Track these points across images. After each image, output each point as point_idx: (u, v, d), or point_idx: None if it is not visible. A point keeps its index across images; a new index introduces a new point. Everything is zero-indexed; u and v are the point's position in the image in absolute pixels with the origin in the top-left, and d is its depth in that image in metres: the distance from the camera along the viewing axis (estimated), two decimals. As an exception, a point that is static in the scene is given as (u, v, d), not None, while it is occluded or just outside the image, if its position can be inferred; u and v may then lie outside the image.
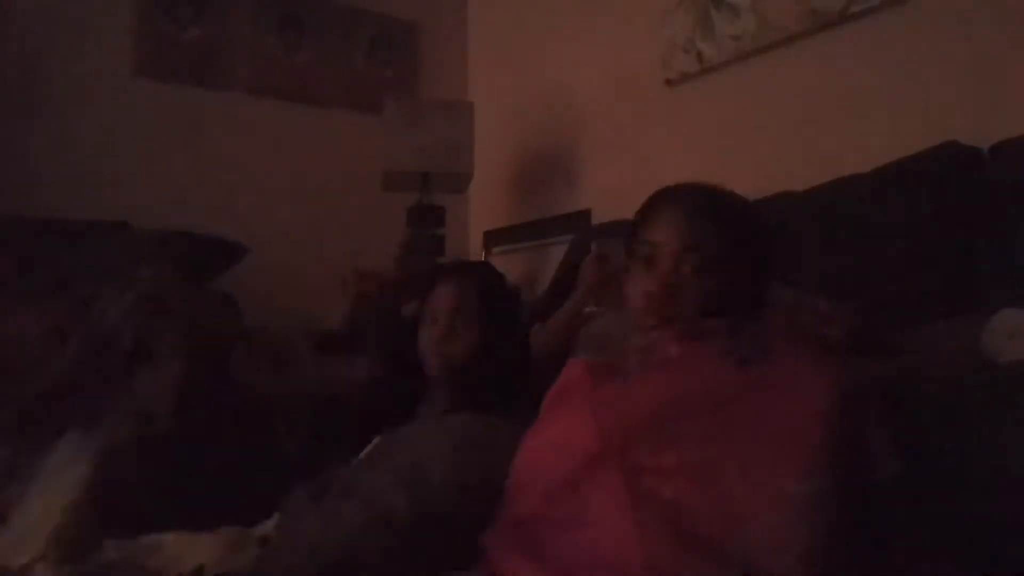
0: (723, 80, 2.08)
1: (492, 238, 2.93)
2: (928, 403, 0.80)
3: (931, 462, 0.73)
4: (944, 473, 0.73)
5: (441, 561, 0.76)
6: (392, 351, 1.31)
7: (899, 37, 1.64)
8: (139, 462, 1.05)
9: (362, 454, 1.05)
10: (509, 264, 2.92)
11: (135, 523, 0.93)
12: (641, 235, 0.85)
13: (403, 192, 2.70)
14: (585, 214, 2.51)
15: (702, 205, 0.85)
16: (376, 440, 1.05)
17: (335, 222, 2.92)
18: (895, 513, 0.65)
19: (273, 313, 2.58)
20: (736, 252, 0.81)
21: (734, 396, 0.71)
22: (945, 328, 1.00)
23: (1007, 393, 0.77)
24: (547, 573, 0.66)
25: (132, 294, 1.21)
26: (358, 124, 2.97)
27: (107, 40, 2.51)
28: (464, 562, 0.76)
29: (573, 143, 2.67)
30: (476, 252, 3.08)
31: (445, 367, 1.13)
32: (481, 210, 3.20)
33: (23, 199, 2.27)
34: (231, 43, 2.75)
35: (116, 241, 2.04)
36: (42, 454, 1.07)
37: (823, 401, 0.67)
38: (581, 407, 0.77)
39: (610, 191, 2.44)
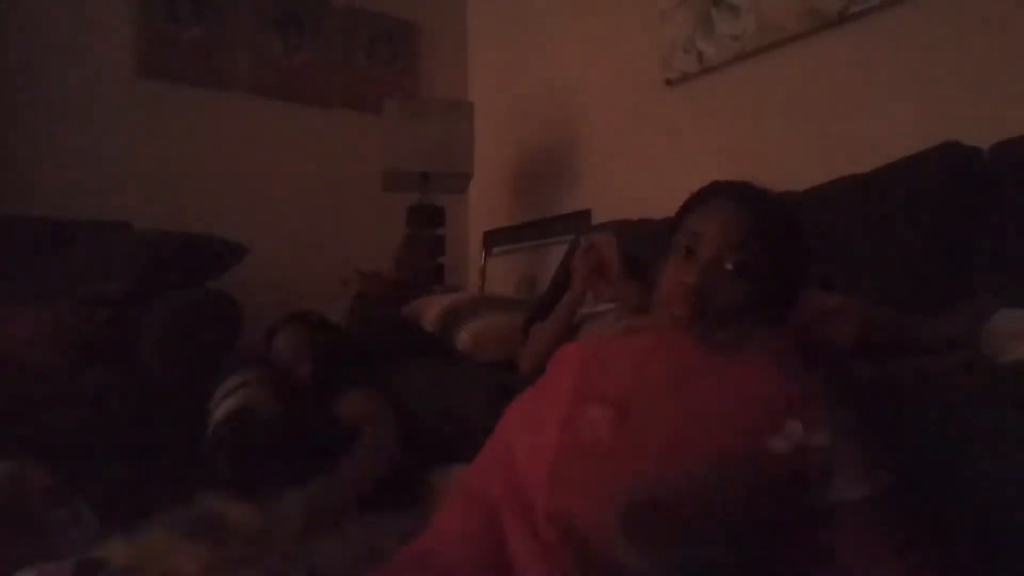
0: (723, 80, 2.08)
1: (492, 238, 2.93)
2: (925, 409, 0.80)
3: (930, 467, 0.73)
4: (943, 477, 0.73)
5: None
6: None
7: (899, 37, 1.64)
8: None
9: None
10: (509, 264, 2.92)
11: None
12: (687, 225, 0.84)
13: (403, 192, 2.70)
14: (585, 214, 2.51)
15: (755, 205, 0.83)
16: None
17: (335, 222, 2.92)
18: (867, 529, 0.64)
19: (273, 313, 2.59)
20: (779, 259, 0.80)
21: (690, 382, 0.71)
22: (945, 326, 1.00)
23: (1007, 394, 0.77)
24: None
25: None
26: (358, 124, 2.97)
27: (108, 40, 2.51)
28: None
29: (573, 143, 2.67)
30: (476, 252, 3.08)
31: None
32: (481, 210, 3.20)
33: (23, 199, 2.27)
34: (231, 43, 2.75)
35: (116, 241, 2.04)
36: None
37: (768, 406, 0.66)
38: (567, 378, 0.78)
39: (610, 191, 2.44)
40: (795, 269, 0.84)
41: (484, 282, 2.88)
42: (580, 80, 2.65)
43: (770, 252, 0.79)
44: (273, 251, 2.62)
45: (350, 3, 3.02)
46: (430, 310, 1.83)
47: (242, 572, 0.92)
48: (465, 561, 0.68)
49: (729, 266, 0.78)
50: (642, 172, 2.34)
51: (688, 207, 0.88)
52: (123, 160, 2.51)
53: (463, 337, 1.79)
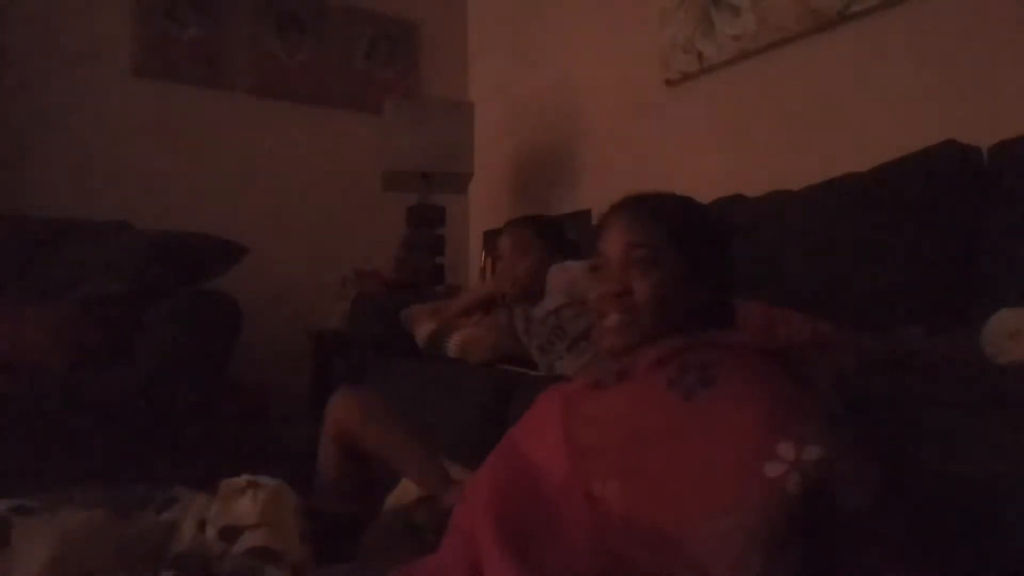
0: (723, 80, 2.08)
1: (492, 238, 2.93)
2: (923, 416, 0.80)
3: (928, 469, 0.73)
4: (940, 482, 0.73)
5: None
6: None
7: (899, 37, 1.64)
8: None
9: None
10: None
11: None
12: (597, 248, 0.91)
13: (403, 192, 2.70)
14: (585, 214, 2.50)
15: (640, 207, 0.88)
16: None
17: (335, 222, 2.92)
18: (866, 545, 0.63)
19: (273, 313, 2.59)
20: (680, 243, 0.84)
21: (675, 432, 0.71)
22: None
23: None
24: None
25: None
26: (358, 124, 2.97)
27: (107, 40, 2.51)
28: None
29: (573, 143, 2.67)
30: (476, 252, 3.08)
31: None
32: (481, 210, 3.20)
33: (23, 199, 2.27)
34: (231, 43, 2.75)
35: (116, 241, 2.04)
36: None
37: (756, 436, 0.66)
38: (556, 430, 0.80)
39: (610, 191, 2.42)
40: (701, 248, 0.87)
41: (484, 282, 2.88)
42: (580, 80, 2.64)
43: (668, 238, 0.84)
44: (273, 251, 2.62)
45: (350, 3, 3.02)
46: (420, 330, 1.89)
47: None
48: None
49: (634, 264, 0.84)
50: (642, 172, 2.34)
51: (596, 231, 0.95)
52: (123, 160, 2.51)
53: (454, 341, 1.80)
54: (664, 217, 0.86)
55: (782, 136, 1.90)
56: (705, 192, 1.75)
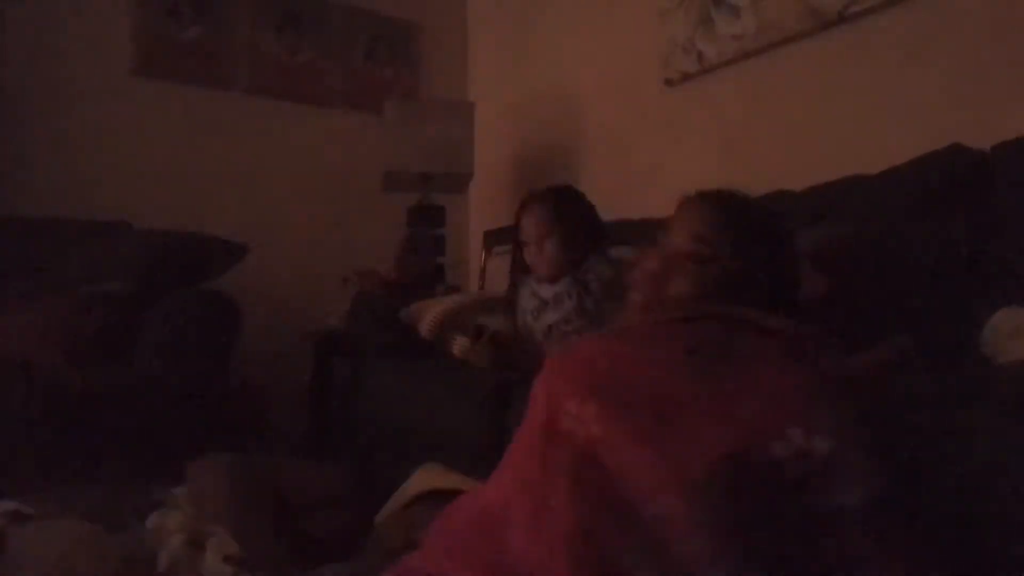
0: (723, 80, 2.08)
1: (492, 238, 2.93)
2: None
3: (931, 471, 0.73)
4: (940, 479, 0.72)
5: None
6: None
7: (899, 37, 1.64)
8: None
9: None
10: (509, 264, 2.92)
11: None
12: (668, 223, 0.92)
13: (403, 192, 2.70)
14: (585, 214, 2.50)
15: (721, 205, 0.89)
16: None
17: (335, 222, 2.92)
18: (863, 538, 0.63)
19: (273, 313, 2.59)
20: (744, 255, 0.84)
21: (680, 391, 0.70)
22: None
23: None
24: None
25: None
26: (358, 124, 2.97)
27: (107, 40, 2.51)
28: None
29: (573, 143, 2.67)
30: (476, 252, 3.08)
31: None
32: (481, 210, 3.20)
33: (23, 199, 2.27)
34: (231, 43, 2.75)
35: (116, 241, 2.04)
36: None
37: (768, 413, 0.65)
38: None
39: (610, 191, 2.43)
40: (763, 266, 0.87)
41: (484, 282, 2.88)
42: (580, 80, 2.64)
43: (733, 248, 0.85)
44: (273, 251, 2.62)
45: (350, 3, 3.01)
46: (427, 315, 1.83)
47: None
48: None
49: (687, 255, 0.85)
50: (642, 172, 2.34)
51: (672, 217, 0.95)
52: (123, 160, 2.50)
53: (458, 342, 1.79)
54: (731, 223, 0.87)
55: (782, 136, 1.90)
56: (705, 192, 1.76)
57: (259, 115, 2.79)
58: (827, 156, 1.73)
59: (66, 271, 1.92)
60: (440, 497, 1.12)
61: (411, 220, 2.68)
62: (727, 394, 0.68)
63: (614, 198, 1.96)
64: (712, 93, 2.12)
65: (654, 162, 2.30)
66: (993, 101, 1.46)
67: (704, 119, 2.15)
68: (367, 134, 2.90)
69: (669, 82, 2.23)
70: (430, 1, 3.26)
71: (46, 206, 2.22)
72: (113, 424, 1.55)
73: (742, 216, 0.89)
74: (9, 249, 1.98)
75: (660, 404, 0.69)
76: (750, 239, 0.86)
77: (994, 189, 1.26)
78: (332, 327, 2.53)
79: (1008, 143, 1.28)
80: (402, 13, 3.15)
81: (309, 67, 2.91)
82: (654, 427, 0.67)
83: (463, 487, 1.14)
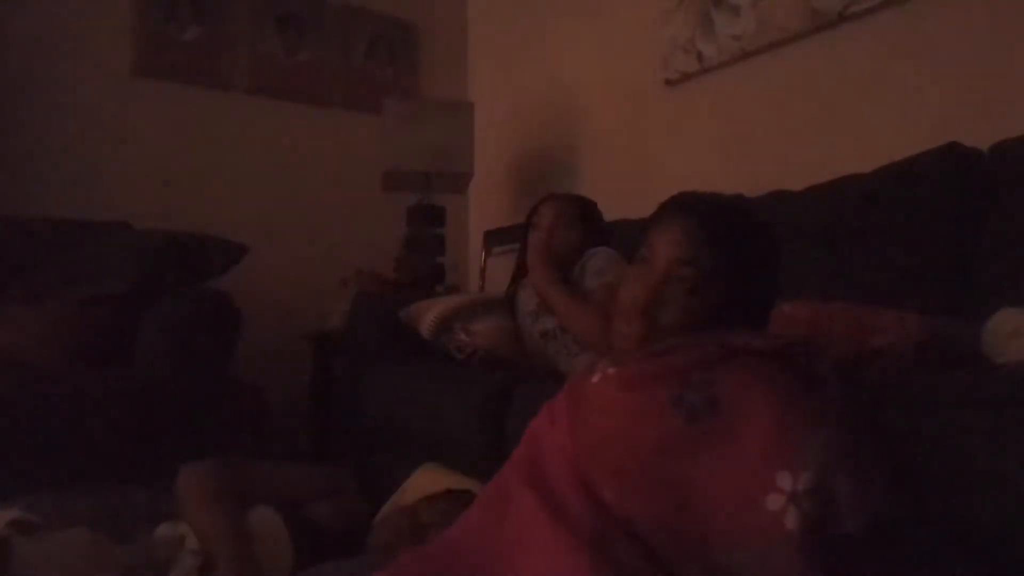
0: (723, 80, 2.08)
1: (492, 238, 2.93)
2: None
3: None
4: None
5: None
6: None
7: (899, 37, 1.64)
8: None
9: None
10: (509, 264, 2.92)
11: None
12: (649, 237, 0.84)
13: (403, 192, 2.70)
14: (585, 214, 2.50)
15: (709, 220, 0.81)
16: None
17: (335, 222, 2.92)
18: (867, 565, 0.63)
19: (273, 313, 2.59)
20: (736, 275, 0.79)
21: (677, 456, 0.68)
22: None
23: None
24: None
25: None
26: (358, 124, 2.97)
27: (106, 40, 2.51)
28: None
29: (573, 143, 2.67)
30: (476, 252, 3.08)
31: None
32: (481, 210, 3.20)
33: (23, 199, 2.27)
34: (231, 43, 2.75)
35: (116, 241, 2.04)
36: None
37: (758, 466, 0.64)
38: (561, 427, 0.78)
39: (610, 191, 2.43)
40: (758, 284, 0.82)
41: (484, 282, 2.88)
42: (580, 80, 2.64)
43: (725, 269, 0.78)
44: (273, 251, 2.62)
45: (349, 3, 3.01)
46: (427, 315, 1.82)
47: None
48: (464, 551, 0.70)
49: (678, 283, 0.78)
50: (642, 172, 2.34)
51: (652, 219, 0.86)
52: (123, 160, 2.50)
53: (457, 343, 1.78)
54: (725, 240, 0.79)
55: (782, 136, 1.90)
56: (705, 192, 1.76)
57: (259, 115, 2.79)
58: (827, 156, 1.73)
59: (66, 271, 1.92)
60: (440, 497, 1.12)
61: (411, 220, 2.67)
62: (719, 451, 0.67)
63: (614, 198, 1.95)
64: (712, 93, 2.12)
65: (654, 162, 2.30)
66: (993, 101, 1.46)
67: (704, 119, 2.15)
68: (367, 134, 2.90)
69: (669, 82, 2.23)
70: (430, 1, 3.26)
71: (46, 206, 2.22)
72: (113, 424, 1.55)
73: (731, 231, 0.80)
74: (9, 249, 1.98)
75: (654, 466, 0.69)
76: (741, 258, 0.79)
77: (992, 188, 1.26)
78: (332, 327, 2.53)
79: (1006, 142, 1.28)
80: (402, 13, 3.15)
81: (309, 67, 2.91)
82: (673, 515, 0.67)
83: (463, 487, 1.14)
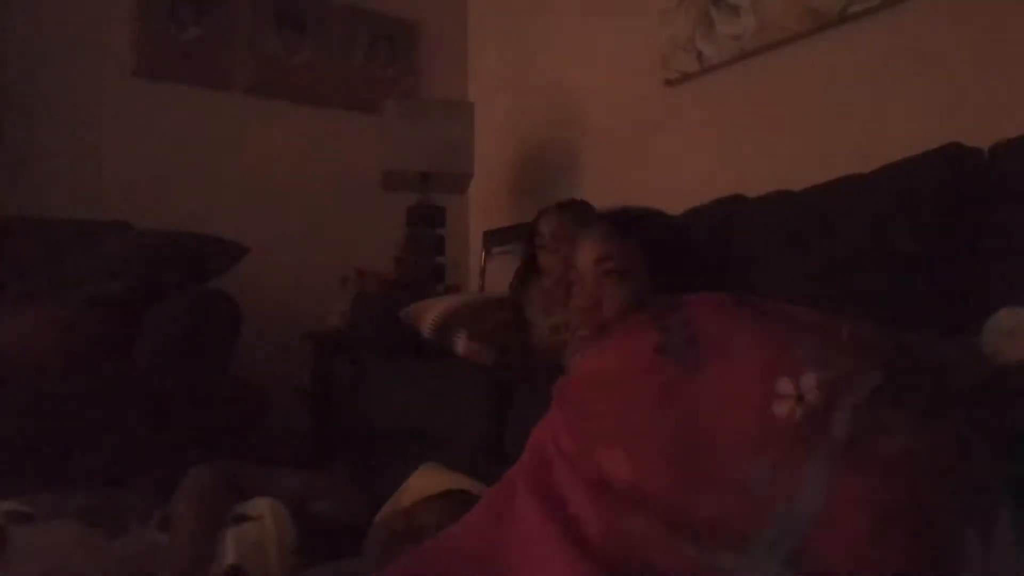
0: (723, 80, 2.08)
1: (492, 238, 2.93)
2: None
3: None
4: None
5: None
6: None
7: (899, 37, 1.64)
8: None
9: None
10: (509, 264, 2.92)
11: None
12: (562, 266, 1.03)
13: (403, 192, 2.70)
14: (585, 214, 2.50)
15: (603, 221, 0.98)
16: None
17: (335, 222, 2.92)
18: None
19: (273, 313, 2.59)
20: (647, 250, 0.92)
21: (675, 398, 0.71)
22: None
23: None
24: None
25: None
26: (358, 124, 2.97)
27: (107, 40, 2.51)
28: None
29: (573, 143, 2.67)
30: (476, 252, 3.08)
31: None
32: (481, 210, 3.20)
33: (23, 199, 2.27)
34: (231, 43, 2.75)
35: (116, 241, 2.04)
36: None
37: (756, 383, 0.67)
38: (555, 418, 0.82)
39: (610, 191, 2.43)
40: (673, 257, 0.95)
41: (484, 282, 2.88)
42: (580, 80, 2.64)
43: (637, 247, 0.93)
44: (273, 251, 2.62)
45: (350, 3, 3.02)
46: (427, 315, 1.82)
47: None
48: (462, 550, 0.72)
49: (605, 278, 0.92)
50: (642, 172, 2.34)
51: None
52: (123, 160, 2.50)
53: (460, 341, 1.78)
54: (625, 231, 0.94)
55: (782, 136, 1.90)
56: (705, 192, 1.76)
57: (259, 115, 2.79)
58: (827, 156, 1.73)
59: (66, 271, 1.92)
60: (440, 497, 1.12)
61: (411, 220, 2.67)
62: (714, 380, 0.70)
63: (614, 198, 1.95)
64: (712, 93, 2.12)
65: (654, 162, 2.30)
66: (993, 101, 1.46)
67: (704, 119, 2.15)
68: (367, 134, 2.90)
69: (669, 82, 2.23)
70: (430, 1, 3.26)
71: (46, 206, 2.22)
72: (113, 424, 1.55)
73: (625, 221, 0.97)
74: (9, 249, 1.98)
75: (656, 414, 0.71)
76: (645, 237, 0.94)
77: (992, 188, 1.26)
78: (332, 327, 2.53)
79: (1006, 142, 1.28)
80: (402, 13, 3.15)
81: (309, 67, 2.91)
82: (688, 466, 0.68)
83: (462, 487, 1.14)
